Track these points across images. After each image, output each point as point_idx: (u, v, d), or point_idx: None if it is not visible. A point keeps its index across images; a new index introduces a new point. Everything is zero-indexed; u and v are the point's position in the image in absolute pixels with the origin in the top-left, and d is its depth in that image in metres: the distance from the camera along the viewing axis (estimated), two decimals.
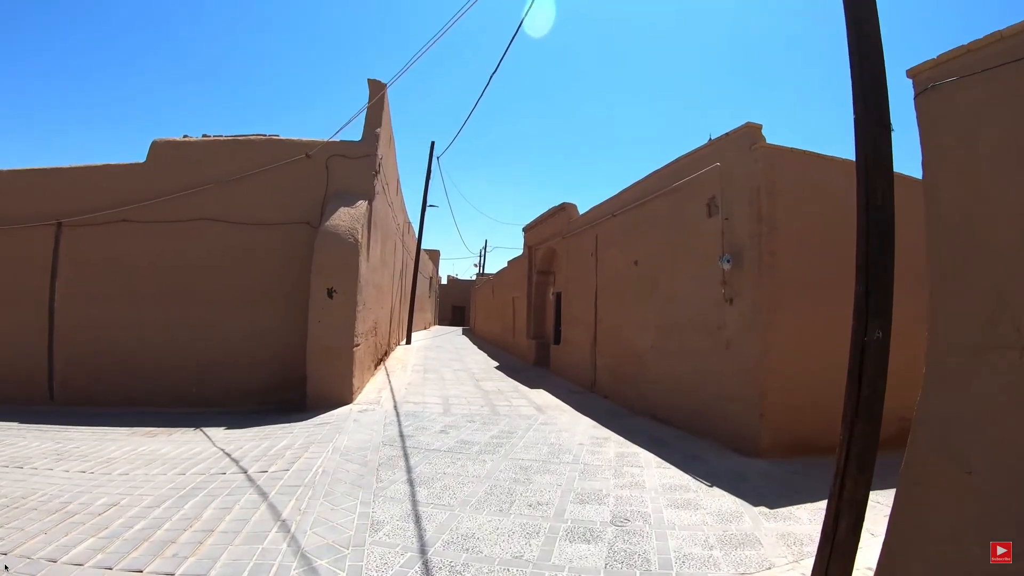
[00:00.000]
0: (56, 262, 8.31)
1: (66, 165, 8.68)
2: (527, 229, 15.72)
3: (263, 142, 8.55)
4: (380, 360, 11.88)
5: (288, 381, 8.04)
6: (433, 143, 20.07)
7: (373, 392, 8.54)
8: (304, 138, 8.53)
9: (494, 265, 63.56)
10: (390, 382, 9.68)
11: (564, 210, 12.21)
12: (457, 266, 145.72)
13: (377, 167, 8.64)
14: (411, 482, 4.38)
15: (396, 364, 12.61)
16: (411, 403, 7.87)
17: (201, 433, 6.41)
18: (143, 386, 8.01)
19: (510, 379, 11.33)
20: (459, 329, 36.79)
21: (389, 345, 14.03)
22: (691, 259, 6.98)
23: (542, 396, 9.25)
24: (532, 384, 10.58)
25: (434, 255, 42.04)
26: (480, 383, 10.45)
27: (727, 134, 6.51)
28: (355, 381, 7.75)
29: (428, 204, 20.37)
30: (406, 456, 5.10)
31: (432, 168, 20.20)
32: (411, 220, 20.64)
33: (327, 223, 7.64)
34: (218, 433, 6.40)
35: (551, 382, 11.13)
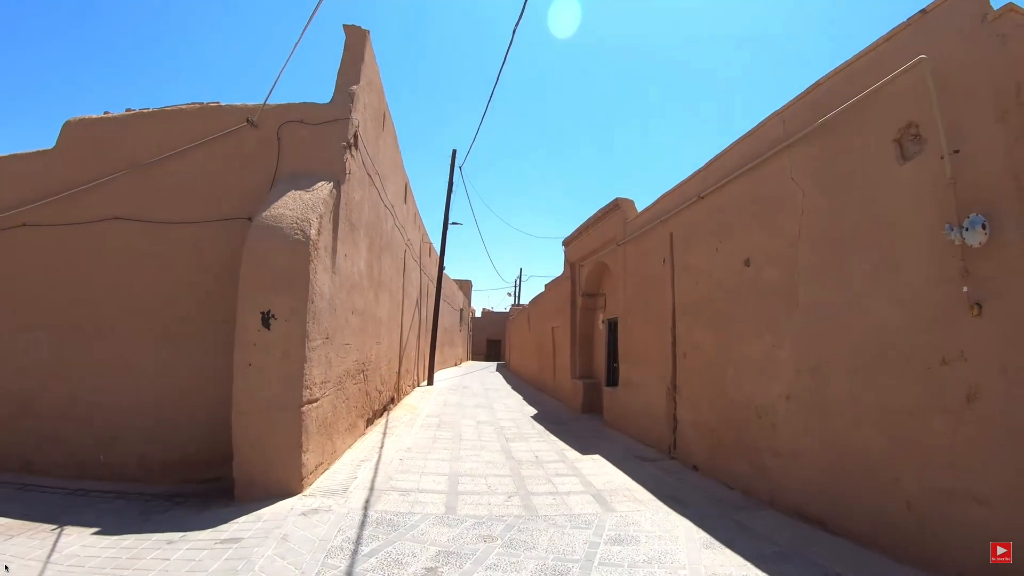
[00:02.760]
0: None
1: None
2: (568, 242, 12.97)
3: (194, 111, 6.24)
4: (381, 411, 9.21)
5: (222, 452, 5.43)
6: (455, 151, 17.88)
7: (347, 467, 5.81)
8: (251, 103, 6.17)
9: (531, 295, 60.70)
10: (382, 447, 6.94)
11: (618, 209, 9.44)
12: (492, 298, 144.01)
13: (352, 137, 6.16)
14: None
15: (404, 415, 9.89)
16: (397, 492, 5.07)
17: (52, 538, 4.00)
18: (44, 447, 5.76)
19: (552, 437, 8.39)
20: (493, 365, 33.99)
21: (398, 390, 11.38)
22: (869, 241, 4.05)
23: (601, 469, 6.28)
24: (583, 446, 7.62)
25: (465, 286, 39.92)
26: (511, 445, 7.57)
27: (924, 11, 3.70)
28: (310, 456, 5.05)
29: (451, 222, 17.99)
30: None
31: (456, 183, 17.92)
32: (432, 242, 18.30)
33: (264, 213, 5.13)
34: (76, 542, 4.07)
35: (608, 441, 8.13)
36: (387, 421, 9.01)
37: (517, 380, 21.07)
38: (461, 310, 34.80)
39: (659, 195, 7.82)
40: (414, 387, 14.45)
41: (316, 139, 5.97)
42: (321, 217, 5.24)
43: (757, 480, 5.16)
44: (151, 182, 6.05)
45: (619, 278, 9.41)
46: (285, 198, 5.33)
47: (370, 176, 7.29)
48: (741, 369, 5.47)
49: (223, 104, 6.28)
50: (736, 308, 5.60)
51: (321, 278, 5.21)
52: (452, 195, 17.76)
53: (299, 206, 5.22)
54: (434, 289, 17.64)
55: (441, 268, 17.81)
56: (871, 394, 3.92)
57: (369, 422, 8.14)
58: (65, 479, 5.57)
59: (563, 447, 7.52)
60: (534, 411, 11.64)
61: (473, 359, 42.03)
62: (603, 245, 10.30)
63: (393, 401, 10.67)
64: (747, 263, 5.40)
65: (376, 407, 8.59)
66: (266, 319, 4.80)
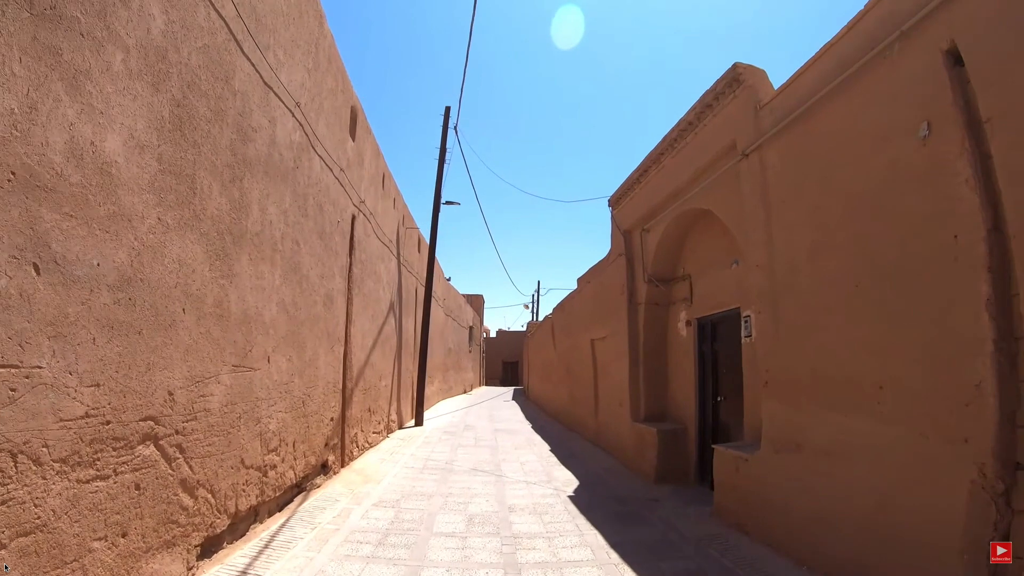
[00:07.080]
0: None
1: None
2: (617, 199, 8.54)
3: None
4: (285, 499, 4.86)
5: None
6: (448, 108, 13.73)
7: None
8: None
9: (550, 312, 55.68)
10: None
11: (739, 85, 5.01)
12: (508, 317, 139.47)
13: None
14: None
15: (333, 500, 5.47)
16: None
17: None
18: None
19: None
20: (509, 391, 29.37)
21: (344, 448, 6.99)
22: None
23: None
24: None
25: (476, 301, 35.74)
26: None
27: None
28: None
29: (445, 201, 13.76)
30: None
31: (456, 156, 13.70)
32: (422, 233, 14.06)
33: None
34: None
35: None
36: (282, 525, 4.61)
37: (539, 414, 16.52)
38: (471, 327, 30.42)
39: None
40: (386, 434, 10.02)
41: None
42: None
43: None
44: None
45: (749, 226, 4.95)
46: None
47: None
48: None
49: None
50: None
51: None
52: (446, 165, 13.54)
53: None
54: (424, 292, 13.31)
55: (432, 256, 13.43)
56: None
57: (233, 536, 3.77)
58: None
59: None
60: (572, 480, 7.13)
61: (487, 384, 37.58)
62: (697, 175, 5.87)
63: (328, 469, 6.30)
64: None
65: (248, 504, 4.19)
66: None
